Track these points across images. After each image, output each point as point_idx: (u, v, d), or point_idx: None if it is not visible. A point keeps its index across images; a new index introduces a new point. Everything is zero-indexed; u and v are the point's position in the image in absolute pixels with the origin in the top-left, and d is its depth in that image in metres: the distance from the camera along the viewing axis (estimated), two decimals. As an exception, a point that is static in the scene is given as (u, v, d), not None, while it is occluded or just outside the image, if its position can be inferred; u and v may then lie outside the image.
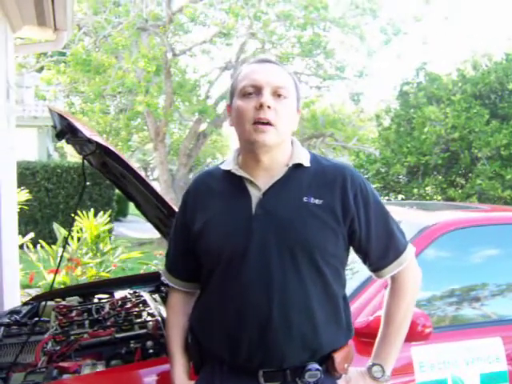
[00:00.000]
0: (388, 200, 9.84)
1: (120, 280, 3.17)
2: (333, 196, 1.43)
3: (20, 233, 4.98)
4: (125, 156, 2.00)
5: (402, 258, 1.52)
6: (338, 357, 1.45)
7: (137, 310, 2.43)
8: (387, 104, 11.69)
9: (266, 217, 1.42)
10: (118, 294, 2.77)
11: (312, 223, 1.41)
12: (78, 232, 5.82)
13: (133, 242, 10.95)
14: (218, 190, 1.51)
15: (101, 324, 2.28)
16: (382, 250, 1.50)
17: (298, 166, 1.47)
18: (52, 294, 2.81)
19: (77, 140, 2.08)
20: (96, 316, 2.40)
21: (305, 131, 12.02)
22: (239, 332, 1.41)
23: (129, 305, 2.53)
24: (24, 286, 5.57)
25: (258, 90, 1.42)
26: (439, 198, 9.75)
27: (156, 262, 5.96)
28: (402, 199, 10.12)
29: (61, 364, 1.84)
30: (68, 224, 9.15)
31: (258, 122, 1.40)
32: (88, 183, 10.73)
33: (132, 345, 1.99)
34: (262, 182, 1.45)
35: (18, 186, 4.86)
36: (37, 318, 2.43)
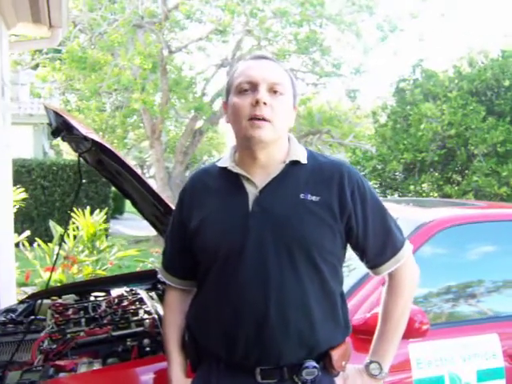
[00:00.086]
0: (384, 197, 9.85)
1: (116, 278, 3.16)
2: (330, 193, 1.43)
3: (16, 231, 4.97)
4: (121, 153, 1.99)
5: (399, 255, 1.52)
6: (336, 354, 1.44)
7: (133, 307, 2.42)
8: (383, 101, 11.68)
9: (263, 214, 1.41)
10: (115, 292, 2.76)
11: (309, 220, 1.40)
12: (74, 230, 5.81)
13: (129, 239, 10.94)
14: (214, 187, 1.50)
15: (97, 322, 2.27)
16: (379, 247, 1.50)
17: (294, 163, 1.46)
18: (48, 292, 2.80)
19: (72, 137, 2.07)
20: (92, 314, 2.40)
21: (301, 128, 12.01)
22: (236, 329, 1.41)
23: (125, 303, 2.52)
24: (20, 284, 5.56)
25: (253, 87, 1.42)
26: (435, 194, 9.77)
27: (152, 260, 5.96)
28: (399, 196, 10.14)
29: (57, 362, 1.84)
30: (64, 222, 9.13)
31: (254, 118, 1.39)
32: (84, 181, 10.71)
33: (129, 343, 1.98)
34: (258, 179, 1.45)
35: (14, 184, 4.85)
36: (33, 317, 2.42)
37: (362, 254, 1.53)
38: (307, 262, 1.40)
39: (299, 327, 1.40)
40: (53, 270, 2.99)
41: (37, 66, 11.63)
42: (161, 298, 2.46)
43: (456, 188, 9.27)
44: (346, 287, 1.55)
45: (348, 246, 1.51)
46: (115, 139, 12.81)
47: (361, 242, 1.48)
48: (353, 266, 1.99)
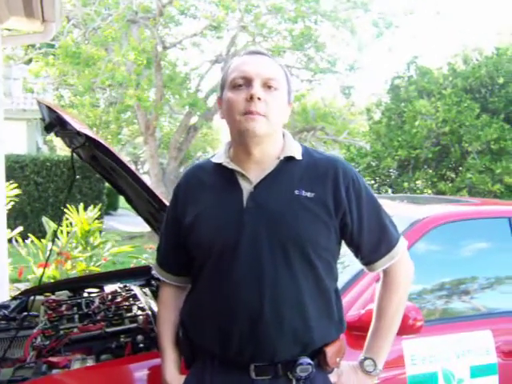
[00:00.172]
0: (378, 193, 9.86)
1: (110, 274, 3.15)
2: (324, 189, 1.42)
3: (9, 227, 4.94)
4: (115, 149, 1.98)
5: (394, 252, 1.51)
6: (330, 351, 1.44)
7: (127, 304, 2.42)
8: (378, 98, 11.72)
9: (258, 210, 1.41)
10: (108, 288, 2.75)
11: (304, 216, 1.40)
12: (67, 226, 5.78)
13: (123, 235, 10.91)
14: (209, 183, 1.50)
15: (91, 318, 2.26)
16: (374, 243, 1.49)
17: (289, 159, 1.46)
18: (41, 288, 2.79)
19: (66, 133, 2.06)
20: (86, 310, 2.38)
21: (295, 125, 12.01)
22: (230, 325, 1.40)
23: (119, 299, 2.51)
24: (13, 281, 5.54)
25: (248, 82, 1.41)
26: (429, 191, 9.80)
27: (146, 256, 5.95)
28: (393, 193, 10.16)
29: (50, 359, 1.82)
30: (57, 218, 9.09)
31: (249, 113, 1.38)
32: (78, 177, 10.67)
33: (122, 339, 1.97)
34: (253, 175, 1.44)
35: (7, 180, 4.82)
36: (26, 313, 2.41)
37: (357, 251, 1.53)
38: (302, 258, 1.40)
39: (293, 324, 1.39)
40: (46, 266, 2.98)
41: (30, 60, 11.57)
42: (154, 295, 2.46)
43: (450, 185, 9.31)
44: (339, 283, 1.55)
45: (342, 242, 1.51)
46: (109, 135, 12.78)
47: (355, 238, 1.48)
48: (347, 263, 1.99)
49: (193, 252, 1.49)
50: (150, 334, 1.97)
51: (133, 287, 2.66)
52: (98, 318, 2.26)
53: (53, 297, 2.67)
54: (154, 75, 10.64)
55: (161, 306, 1.63)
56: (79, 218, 5.79)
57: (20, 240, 5.62)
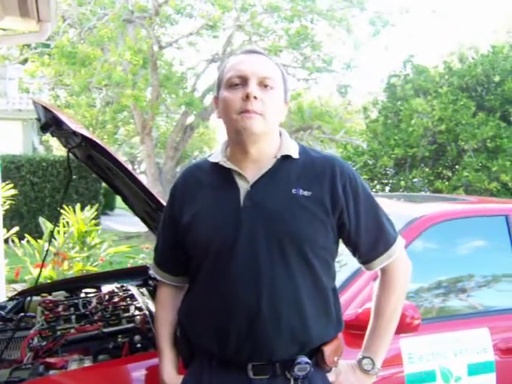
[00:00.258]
0: (375, 192, 9.87)
1: (107, 274, 3.14)
2: (322, 188, 1.42)
3: (5, 227, 4.93)
4: (111, 149, 1.98)
5: (391, 251, 1.51)
6: (328, 350, 1.44)
7: (124, 304, 2.41)
8: (374, 96, 11.70)
9: (255, 209, 1.40)
10: (105, 289, 2.74)
11: (301, 215, 1.40)
12: (64, 226, 5.77)
13: (120, 235, 10.89)
14: (206, 182, 1.49)
15: (88, 319, 2.26)
16: (371, 242, 1.49)
17: (286, 158, 1.45)
18: (38, 288, 2.78)
19: (62, 133, 2.05)
20: (83, 311, 2.38)
21: (292, 124, 12.02)
22: (228, 324, 1.40)
23: (116, 299, 2.51)
24: (10, 281, 5.52)
25: (244, 81, 1.41)
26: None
27: (143, 256, 5.93)
28: (390, 191, 10.17)
29: (47, 360, 1.82)
30: (54, 218, 9.07)
31: (245, 112, 1.38)
32: (74, 177, 10.65)
33: (120, 339, 1.97)
34: (250, 174, 1.44)
35: (3, 180, 4.81)
36: (22, 314, 2.40)
37: (355, 249, 1.52)
38: (299, 257, 1.39)
39: (291, 323, 1.39)
40: (42, 266, 2.97)
41: (25, 60, 11.53)
42: (152, 294, 2.45)
43: (446, 183, 9.31)
44: (337, 282, 1.55)
45: (340, 240, 1.51)
46: (105, 135, 12.76)
47: (353, 237, 1.48)
48: (344, 261, 1.99)
49: (190, 251, 1.49)
50: (147, 334, 1.97)
51: (130, 287, 2.65)
52: (95, 318, 2.25)
53: (50, 297, 2.66)
54: (150, 75, 10.63)
55: (158, 306, 1.62)
56: (76, 218, 5.77)
57: (16, 240, 5.60)
